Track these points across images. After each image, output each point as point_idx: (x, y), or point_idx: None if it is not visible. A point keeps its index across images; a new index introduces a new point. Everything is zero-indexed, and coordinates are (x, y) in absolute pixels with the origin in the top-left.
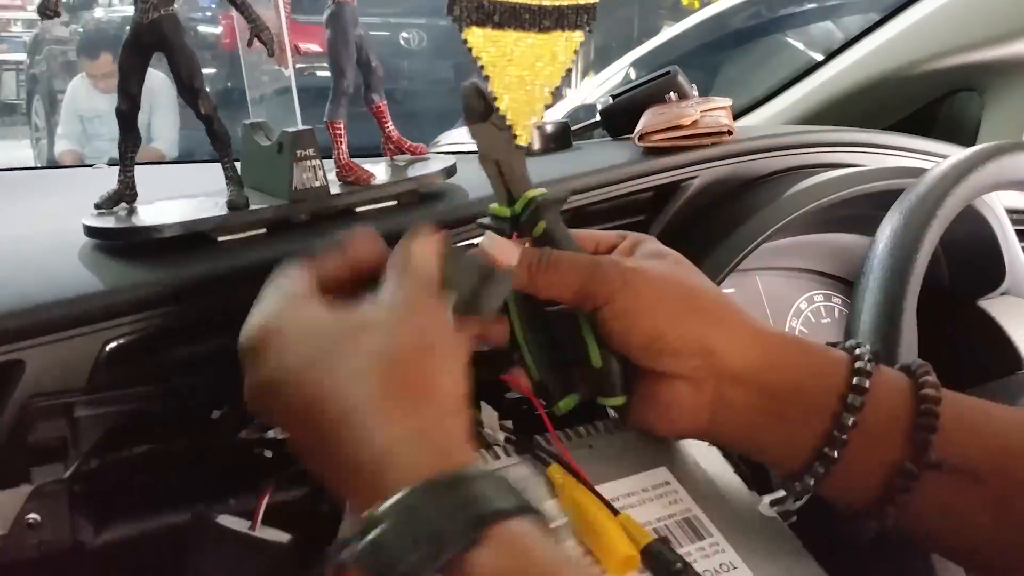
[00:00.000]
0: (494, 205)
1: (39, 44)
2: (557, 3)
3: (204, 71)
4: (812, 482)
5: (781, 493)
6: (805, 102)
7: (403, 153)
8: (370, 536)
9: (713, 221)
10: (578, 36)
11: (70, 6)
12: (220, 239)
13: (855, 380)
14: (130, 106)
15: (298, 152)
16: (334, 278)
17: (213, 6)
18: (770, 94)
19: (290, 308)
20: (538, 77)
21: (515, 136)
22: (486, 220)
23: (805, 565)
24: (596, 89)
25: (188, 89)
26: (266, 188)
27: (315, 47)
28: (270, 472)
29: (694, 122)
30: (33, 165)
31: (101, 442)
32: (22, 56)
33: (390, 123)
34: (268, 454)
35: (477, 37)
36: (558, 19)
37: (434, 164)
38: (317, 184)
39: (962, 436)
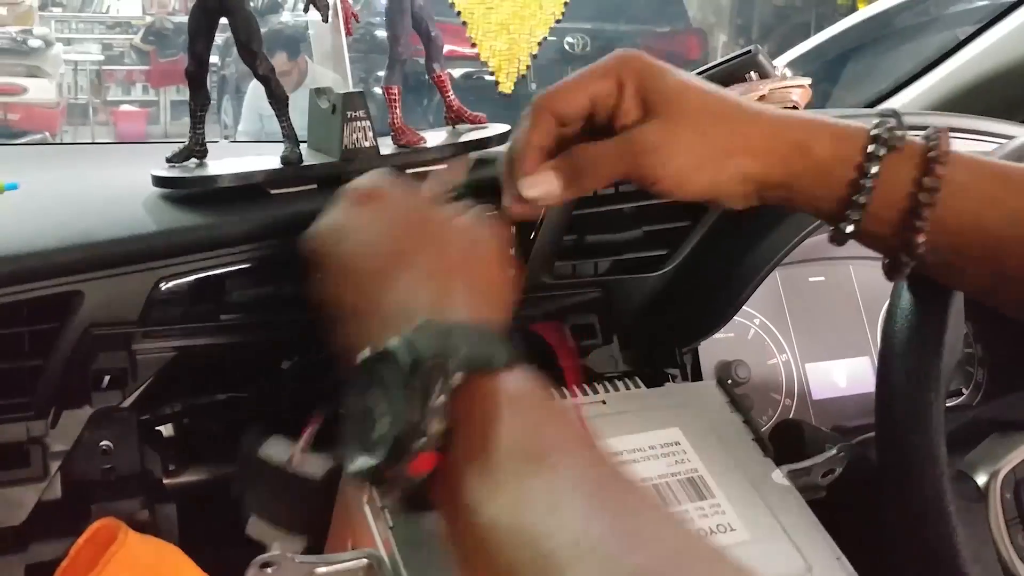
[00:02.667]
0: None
1: (230, 47)
2: None
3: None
4: (850, 228)
5: (804, 464)
6: (942, 87)
7: (464, 122)
8: (427, 327)
9: None
10: None
11: (259, 10)
12: (273, 192)
13: (871, 148)
14: (197, 67)
15: (348, 113)
16: None
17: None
18: (910, 77)
19: (404, 185)
20: (522, 26)
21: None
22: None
23: (812, 536)
24: None
25: (247, 51)
26: (323, 147)
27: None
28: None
29: (762, 97)
30: None
31: (158, 374)
32: (215, 58)
33: (451, 92)
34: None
35: None
36: None
37: (488, 131)
38: (367, 144)
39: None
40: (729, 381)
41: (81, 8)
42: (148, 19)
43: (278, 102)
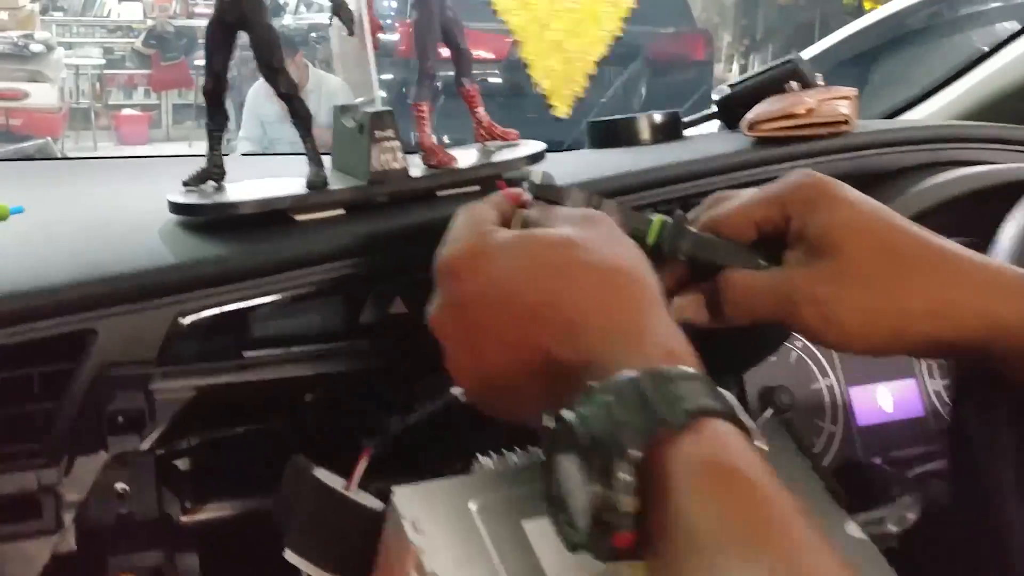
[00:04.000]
0: None
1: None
2: None
3: (382, 76)
4: None
5: (878, 513)
6: (970, 96)
7: (494, 139)
8: (597, 399)
9: None
10: (627, 1)
11: None
12: (298, 218)
13: None
14: (215, 84)
15: (376, 133)
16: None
17: (392, 14)
18: (932, 89)
19: (490, 233)
20: (578, 44)
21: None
22: None
23: None
24: None
25: (268, 67)
26: (350, 170)
27: (486, 54)
28: (371, 433)
29: (809, 110)
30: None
31: (177, 414)
32: None
33: (481, 107)
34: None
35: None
36: None
37: (522, 149)
38: (396, 166)
39: None
40: (772, 411)
41: (82, 12)
42: (149, 23)
43: (302, 121)
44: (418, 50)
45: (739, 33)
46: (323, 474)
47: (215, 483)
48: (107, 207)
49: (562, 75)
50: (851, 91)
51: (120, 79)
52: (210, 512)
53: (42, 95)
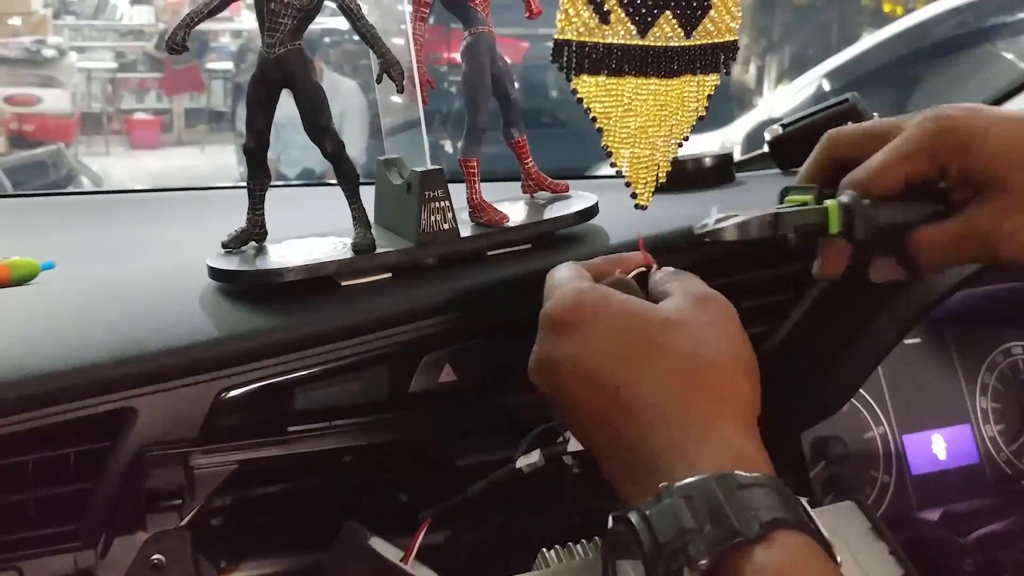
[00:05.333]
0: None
1: (244, 53)
2: (689, 42)
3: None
4: None
5: None
6: None
7: (544, 190)
8: (664, 502)
9: None
10: (712, 79)
11: None
12: (343, 283)
13: None
14: (257, 143)
15: (426, 193)
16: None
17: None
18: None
19: (596, 293)
20: (663, 128)
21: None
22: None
23: None
24: (791, 98)
25: (314, 127)
26: (395, 228)
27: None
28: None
29: None
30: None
31: (218, 491)
32: (230, 65)
33: (530, 159)
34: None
35: (588, 86)
36: (689, 61)
37: (574, 203)
38: (446, 227)
39: None
40: (824, 462)
41: (94, 16)
42: (161, 26)
43: (349, 183)
44: (467, 103)
45: (756, 34)
46: (379, 544)
47: (250, 543)
48: (144, 263)
49: (646, 163)
50: None
51: (132, 83)
52: (245, 572)
53: (55, 100)
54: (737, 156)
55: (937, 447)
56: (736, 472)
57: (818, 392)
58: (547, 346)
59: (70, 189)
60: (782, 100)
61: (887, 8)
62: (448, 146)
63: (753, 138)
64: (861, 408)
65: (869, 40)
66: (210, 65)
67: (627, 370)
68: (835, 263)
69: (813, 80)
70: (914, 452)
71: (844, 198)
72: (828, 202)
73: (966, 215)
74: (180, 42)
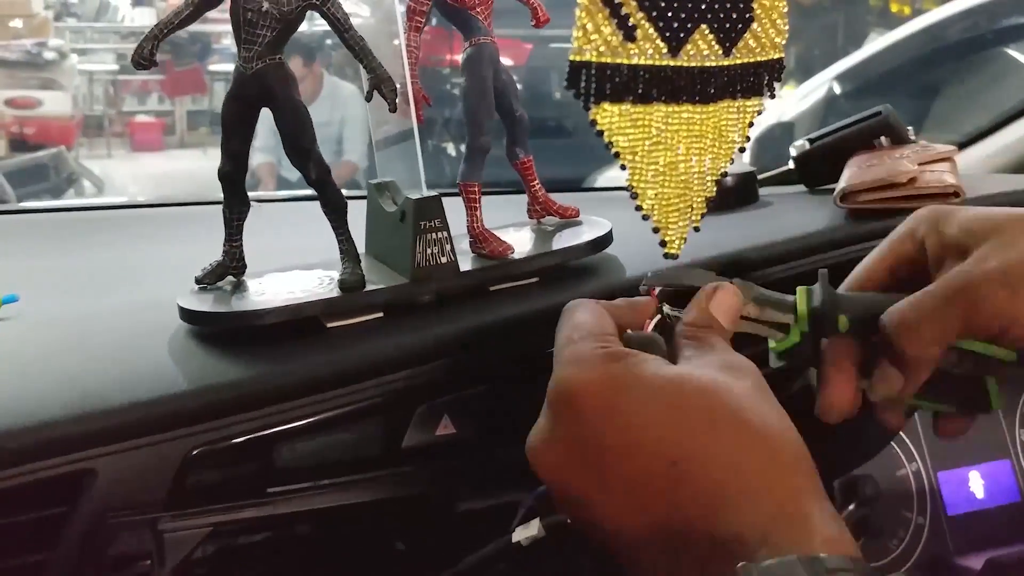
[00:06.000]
0: (774, 344)
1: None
2: (728, 61)
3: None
4: None
5: None
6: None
7: (552, 215)
8: None
9: None
10: (755, 104)
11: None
12: (329, 325)
13: None
14: (234, 167)
15: (422, 223)
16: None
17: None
18: (991, 127)
19: (629, 361)
20: (698, 164)
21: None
22: (779, 363)
23: None
24: (798, 102)
25: (296, 149)
26: (388, 260)
27: (506, 60)
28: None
29: (912, 180)
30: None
31: (190, 558)
32: (231, 67)
33: (537, 182)
34: None
35: (610, 116)
36: (728, 83)
37: (585, 231)
38: (444, 260)
39: None
40: (854, 504)
41: (96, 18)
42: None
43: (335, 212)
44: (468, 121)
45: None
46: None
47: None
48: (117, 294)
49: (677, 204)
50: (950, 150)
51: (134, 85)
52: None
53: (56, 103)
54: (746, 160)
55: (975, 485)
56: (825, 556)
57: (852, 433)
58: (568, 426)
59: (53, 204)
60: (789, 104)
61: (895, 8)
62: (451, 148)
63: (761, 143)
64: (893, 443)
65: (879, 43)
66: (212, 67)
67: (688, 443)
68: (840, 389)
69: (821, 84)
70: (950, 491)
71: (815, 286)
72: (799, 289)
73: (952, 272)
74: (147, 56)
